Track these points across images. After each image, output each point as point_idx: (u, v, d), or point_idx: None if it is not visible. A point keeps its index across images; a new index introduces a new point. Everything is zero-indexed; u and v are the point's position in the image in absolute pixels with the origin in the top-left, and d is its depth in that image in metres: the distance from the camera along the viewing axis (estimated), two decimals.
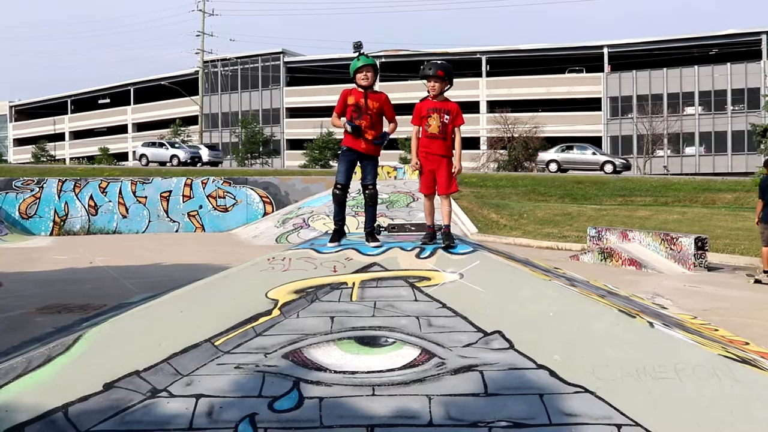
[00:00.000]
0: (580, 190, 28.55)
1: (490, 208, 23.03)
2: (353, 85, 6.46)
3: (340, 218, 6.54)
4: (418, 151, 6.43)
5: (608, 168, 36.08)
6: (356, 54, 6.34)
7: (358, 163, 6.53)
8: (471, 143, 56.16)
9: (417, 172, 6.56)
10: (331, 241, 6.36)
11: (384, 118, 6.53)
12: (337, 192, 6.48)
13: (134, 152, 44.40)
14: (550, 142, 56.42)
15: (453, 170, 6.37)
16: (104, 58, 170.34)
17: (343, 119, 6.37)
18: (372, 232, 6.48)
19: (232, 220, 24.62)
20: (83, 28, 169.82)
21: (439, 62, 6.44)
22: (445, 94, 6.46)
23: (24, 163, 59.78)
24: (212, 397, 4.00)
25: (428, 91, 6.40)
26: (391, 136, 6.80)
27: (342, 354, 4.42)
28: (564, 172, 37.34)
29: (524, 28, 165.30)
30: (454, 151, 6.42)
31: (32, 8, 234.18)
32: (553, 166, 38.63)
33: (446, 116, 6.30)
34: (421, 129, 6.39)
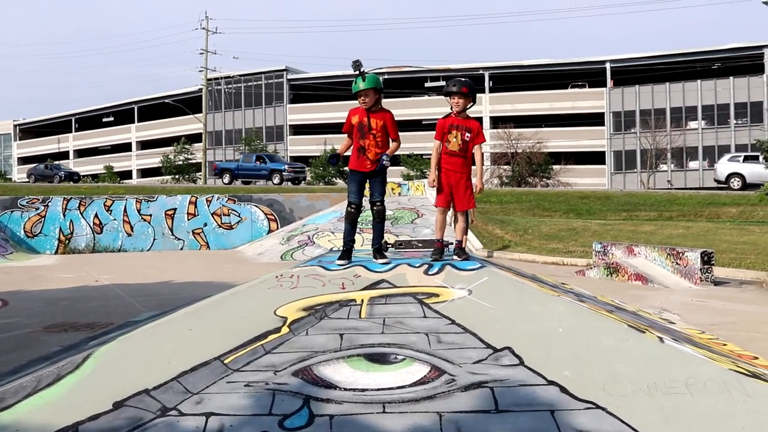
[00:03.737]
0: (584, 205, 28.55)
1: (495, 224, 23.02)
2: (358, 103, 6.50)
3: (350, 238, 6.56)
4: (438, 167, 6.53)
5: None
6: (356, 73, 6.35)
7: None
8: None
9: (435, 188, 6.60)
10: (339, 259, 6.37)
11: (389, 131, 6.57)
12: (351, 210, 6.53)
13: None
14: (554, 157, 56.58)
15: (474, 189, 6.45)
16: (108, 76, 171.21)
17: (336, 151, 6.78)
18: (380, 248, 6.49)
19: (237, 237, 24.61)
20: (86, 47, 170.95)
21: (463, 80, 6.52)
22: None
23: (29, 182, 60.03)
24: (222, 415, 3.99)
25: (451, 108, 6.47)
26: (395, 153, 6.84)
27: (352, 371, 4.41)
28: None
29: (527, 43, 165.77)
30: (474, 168, 6.53)
31: (35, 28, 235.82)
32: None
33: (467, 134, 6.42)
34: (441, 145, 6.47)
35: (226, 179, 38.25)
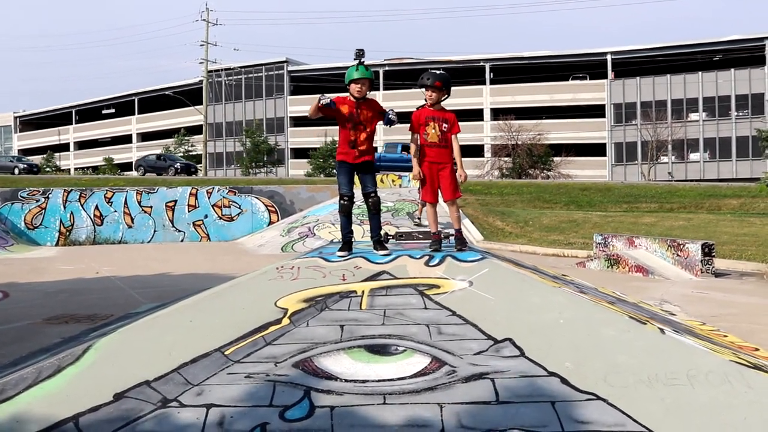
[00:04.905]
0: (585, 197, 28.54)
1: (496, 216, 23.02)
2: (347, 94, 6.47)
3: (348, 230, 6.55)
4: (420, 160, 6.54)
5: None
6: (356, 62, 6.34)
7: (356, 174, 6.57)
8: (475, 151, 56.16)
9: (419, 180, 6.64)
10: (340, 250, 6.36)
11: (378, 121, 6.58)
12: (344, 203, 6.51)
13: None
14: (554, 149, 56.54)
15: (459, 178, 6.47)
16: (108, 68, 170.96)
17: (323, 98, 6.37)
18: (380, 240, 6.49)
19: (238, 229, 24.63)
20: (87, 39, 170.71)
21: (437, 73, 6.59)
22: (448, 101, 6.59)
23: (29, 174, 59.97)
24: (223, 406, 3.99)
25: (425, 100, 6.53)
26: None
27: (352, 362, 4.40)
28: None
29: (527, 35, 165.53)
30: (455, 159, 6.55)
31: (35, 19, 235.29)
32: None
33: (444, 125, 6.45)
34: (419, 137, 6.50)
35: None
